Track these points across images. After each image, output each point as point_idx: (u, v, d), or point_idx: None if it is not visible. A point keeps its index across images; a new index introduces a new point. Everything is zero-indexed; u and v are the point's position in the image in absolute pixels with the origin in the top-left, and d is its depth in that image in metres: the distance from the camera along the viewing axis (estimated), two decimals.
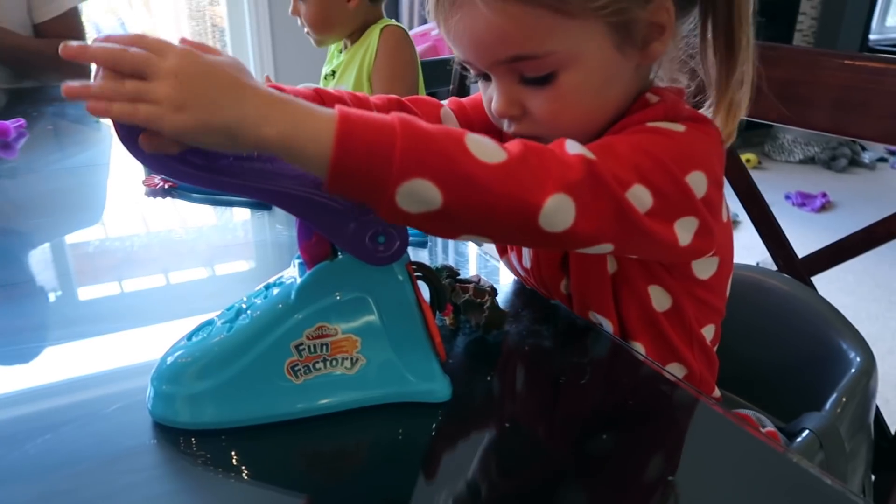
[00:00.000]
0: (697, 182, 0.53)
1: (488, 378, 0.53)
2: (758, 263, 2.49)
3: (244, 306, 0.50)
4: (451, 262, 0.76)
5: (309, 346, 0.47)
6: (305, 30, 1.35)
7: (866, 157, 3.76)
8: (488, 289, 0.60)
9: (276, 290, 0.50)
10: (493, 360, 0.56)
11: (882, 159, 3.82)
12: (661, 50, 0.57)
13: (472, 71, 0.60)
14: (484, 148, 0.45)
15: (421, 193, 0.42)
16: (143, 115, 0.38)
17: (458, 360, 0.56)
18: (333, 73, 1.40)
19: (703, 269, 0.63)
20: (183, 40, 0.42)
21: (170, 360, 0.48)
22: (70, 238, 0.86)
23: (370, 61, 1.33)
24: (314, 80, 1.47)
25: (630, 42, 0.55)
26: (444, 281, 0.60)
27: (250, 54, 2.95)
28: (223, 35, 3.03)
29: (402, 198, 0.42)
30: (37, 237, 0.85)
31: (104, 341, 0.60)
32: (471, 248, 0.78)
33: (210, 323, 0.50)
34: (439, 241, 0.80)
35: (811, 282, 0.89)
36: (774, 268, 0.94)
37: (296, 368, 0.48)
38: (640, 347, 0.64)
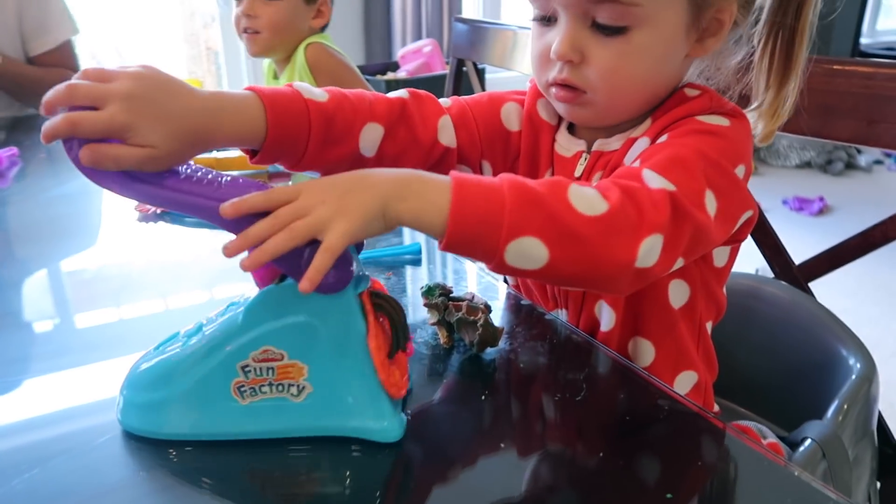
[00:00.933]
0: (741, 174, 0.57)
1: (482, 397, 0.53)
2: (757, 271, 2.48)
3: (205, 322, 0.50)
4: (447, 279, 0.76)
5: (255, 369, 0.47)
6: (248, 33, 1.32)
7: (862, 161, 3.76)
8: (482, 306, 0.59)
9: (236, 310, 0.49)
10: (487, 379, 0.55)
11: (878, 162, 3.83)
12: (714, 46, 0.59)
13: (535, 6, 0.60)
14: (587, 200, 0.47)
15: (529, 251, 0.46)
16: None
17: (451, 378, 0.55)
18: (276, 76, 1.40)
19: (720, 256, 0.64)
20: None
21: (134, 369, 0.50)
22: (63, 265, 0.86)
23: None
24: None
25: (696, 27, 0.58)
26: (437, 299, 0.60)
27: (244, 77, 2.96)
28: (217, 58, 3.05)
29: (511, 256, 0.46)
30: (30, 265, 0.84)
31: (96, 370, 0.59)
32: (467, 265, 0.78)
33: (175, 336, 0.51)
34: (435, 257, 0.80)
35: (809, 288, 0.89)
36: (772, 275, 0.94)
37: (242, 389, 0.47)
38: (649, 347, 0.63)
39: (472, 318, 0.58)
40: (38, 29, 1.60)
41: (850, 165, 3.75)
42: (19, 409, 0.53)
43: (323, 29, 1.37)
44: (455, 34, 1.58)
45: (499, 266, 0.46)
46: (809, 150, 3.75)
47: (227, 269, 0.80)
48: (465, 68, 1.59)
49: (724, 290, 0.69)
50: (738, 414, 0.86)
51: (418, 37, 3.00)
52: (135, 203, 0.97)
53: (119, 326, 0.69)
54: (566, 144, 0.66)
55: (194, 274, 0.80)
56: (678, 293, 0.63)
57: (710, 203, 0.52)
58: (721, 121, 0.57)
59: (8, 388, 0.56)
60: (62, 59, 1.64)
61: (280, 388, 0.47)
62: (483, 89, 1.57)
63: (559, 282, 0.51)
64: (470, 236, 0.45)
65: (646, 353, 0.64)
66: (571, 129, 0.66)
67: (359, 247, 0.50)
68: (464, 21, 1.58)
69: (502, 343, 0.59)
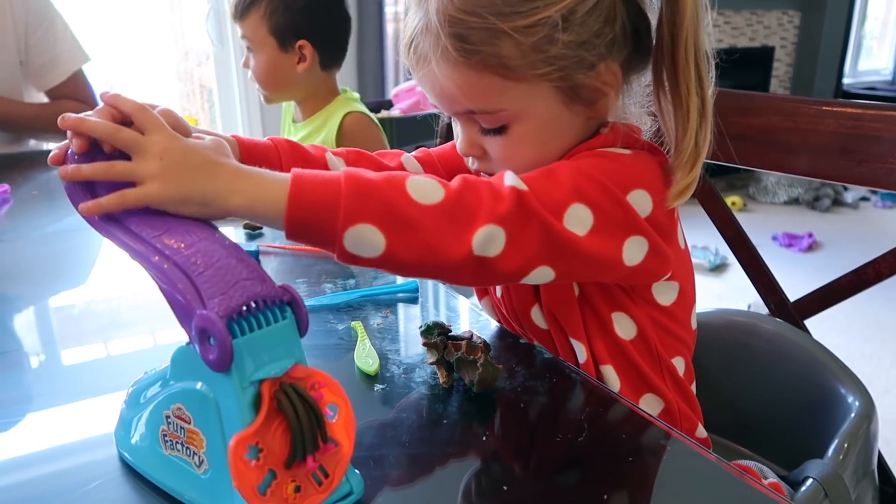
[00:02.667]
0: (640, 201, 0.57)
1: (483, 439, 0.52)
2: (749, 306, 2.49)
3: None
4: (441, 316, 0.76)
5: (174, 423, 0.45)
6: (256, 86, 1.36)
7: (849, 197, 3.82)
8: (481, 345, 0.59)
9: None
10: (488, 420, 0.55)
11: (864, 198, 3.88)
12: (610, 107, 0.61)
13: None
14: (423, 189, 0.49)
15: (366, 239, 0.48)
16: (133, 198, 0.45)
17: (451, 419, 0.55)
18: (295, 121, 1.41)
19: (663, 294, 0.65)
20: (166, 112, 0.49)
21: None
22: (55, 302, 0.85)
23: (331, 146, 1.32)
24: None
25: (578, 100, 0.59)
26: (436, 338, 0.60)
27: (238, 114, 2.98)
28: (210, 96, 3.07)
29: (349, 244, 0.48)
30: (20, 303, 0.83)
31: (88, 408, 0.58)
32: (461, 303, 0.77)
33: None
34: (430, 295, 0.80)
35: (804, 325, 0.89)
36: (766, 311, 0.94)
37: (165, 438, 0.46)
38: (611, 372, 0.63)
39: (471, 357, 0.57)
40: (49, 63, 1.61)
41: (837, 202, 3.80)
42: (15, 448, 0.52)
43: (327, 69, 1.35)
44: None
45: (342, 254, 0.48)
46: (797, 186, 3.80)
47: None
48: None
49: (693, 325, 0.70)
50: (737, 452, 0.86)
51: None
52: None
53: (107, 363, 0.68)
54: None
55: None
56: (623, 326, 0.64)
57: (579, 216, 0.53)
58: (620, 150, 0.59)
59: (3, 427, 0.55)
60: (75, 90, 1.64)
61: (188, 452, 0.44)
62: None
63: (404, 270, 0.51)
64: (308, 224, 0.47)
65: (612, 378, 0.64)
66: None
67: (302, 330, 0.44)
68: None
69: (502, 382, 0.59)
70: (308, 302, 0.75)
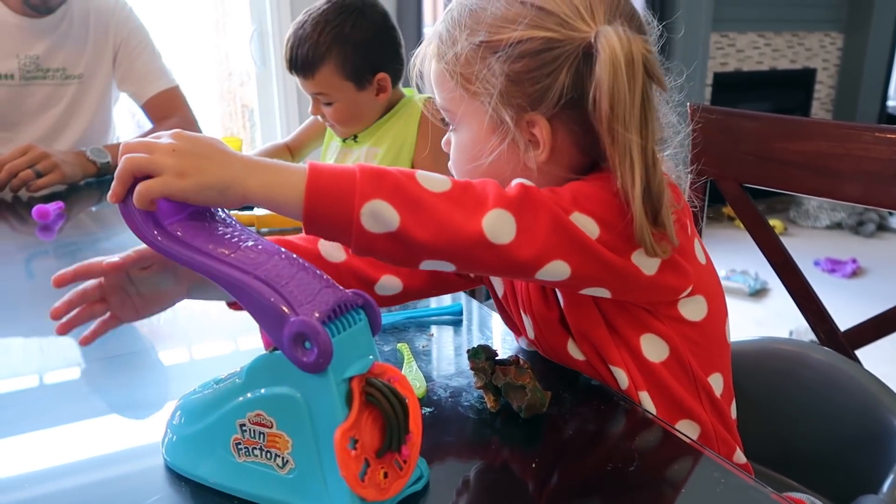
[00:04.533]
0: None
1: (532, 465, 0.52)
2: (791, 333, 2.42)
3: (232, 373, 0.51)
4: (488, 340, 0.76)
5: (250, 430, 0.47)
6: (329, 124, 1.34)
7: (895, 222, 3.72)
8: (528, 370, 0.59)
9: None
10: (537, 447, 0.55)
11: None
12: (541, 160, 0.60)
13: None
14: (432, 181, 0.52)
15: (381, 213, 0.49)
16: (157, 186, 0.47)
17: (499, 445, 0.54)
18: (355, 137, 1.37)
19: (690, 309, 0.64)
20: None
21: (181, 400, 0.53)
22: None
23: (412, 138, 1.31)
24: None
25: (509, 139, 0.60)
26: (484, 363, 0.60)
27: (278, 133, 3.04)
28: (252, 115, 3.13)
29: (366, 218, 0.49)
30: None
31: (130, 423, 0.59)
32: (495, 323, 0.77)
33: (216, 378, 0.52)
34: (475, 318, 0.80)
35: (856, 356, 0.87)
36: (809, 336, 0.92)
37: (238, 446, 0.48)
38: (647, 398, 0.62)
39: (519, 382, 0.57)
40: (146, 76, 1.70)
41: (883, 227, 3.71)
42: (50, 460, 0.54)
43: (396, 85, 1.34)
44: None
45: (358, 234, 0.50)
46: (840, 210, 3.72)
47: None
48: None
49: (728, 338, 0.69)
50: (785, 485, 0.84)
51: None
52: None
53: (150, 376, 0.69)
54: None
55: (222, 325, 0.80)
56: (653, 349, 0.62)
57: (584, 223, 0.54)
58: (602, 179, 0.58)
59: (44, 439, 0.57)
60: (174, 104, 1.73)
61: (268, 455, 0.47)
62: None
63: (420, 251, 0.51)
64: (326, 207, 0.49)
65: (648, 405, 0.63)
66: None
67: (374, 328, 0.48)
68: None
69: (549, 408, 0.58)
70: None
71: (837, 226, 3.76)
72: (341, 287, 0.48)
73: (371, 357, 0.46)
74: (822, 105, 4.29)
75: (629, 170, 0.54)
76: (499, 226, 0.51)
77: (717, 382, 0.66)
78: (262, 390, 0.47)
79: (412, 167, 1.32)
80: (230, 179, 0.48)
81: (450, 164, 0.67)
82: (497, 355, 0.62)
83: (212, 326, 0.81)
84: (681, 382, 0.63)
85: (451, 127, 0.66)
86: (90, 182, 1.49)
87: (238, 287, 0.46)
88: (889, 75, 4.36)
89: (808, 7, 4.00)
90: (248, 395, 0.47)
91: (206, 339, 0.79)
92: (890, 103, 4.46)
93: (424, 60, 0.65)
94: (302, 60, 1.23)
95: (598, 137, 0.56)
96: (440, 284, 0.73)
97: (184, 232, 0.48)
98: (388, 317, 0.78)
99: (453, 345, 0.73)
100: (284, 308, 0.44)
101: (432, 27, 0.66)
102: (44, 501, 0.49)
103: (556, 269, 0.53)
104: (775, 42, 4.00)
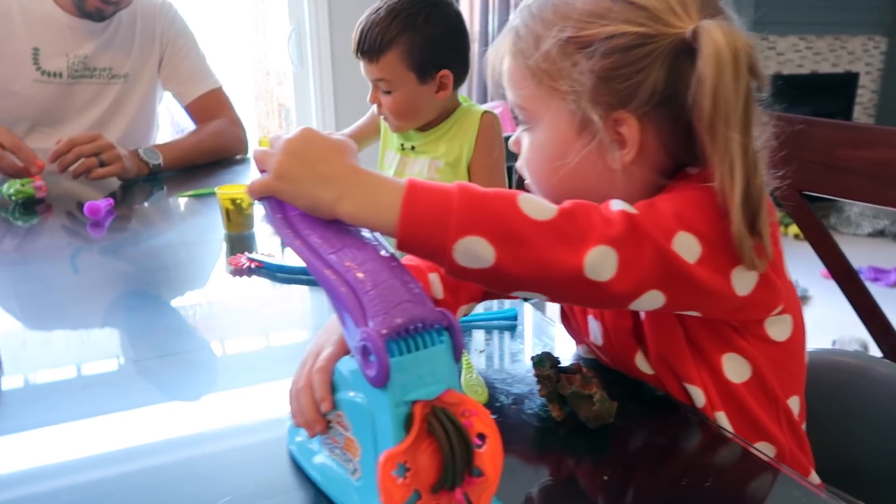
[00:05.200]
0: None
1: (605, 478, 0.50)
2: (834, 342, 2.37)
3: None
4: (538, 344, 0.74)
5: (335, 428, 0.48)
6: (384, 115, 1.34)
7: None
8: (595, 379, 0.57)
9: None
10: (607, 458, 0.53)
11: None
12: (627, 160, 0.58)
13: None
14: (535, 205, 0.49)
15: (476, 250, 0.48)
16: (259, 183, 0.49)
17: (568, 456, 0.53)
18: (413, 148, 1.38)
19: (777, 329, 0.62)
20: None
21: None
22: (157, 314, 0.87)
23: (469, 148, 1.31)
24: (373, 151, 1.49)
25: (593, 138, 0.58)
26: (549, 371, 0.59)
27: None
28: (288, 115, 3.15)
29: (458, 254, 0.48)
30: (134, 311, 0.86)
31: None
32: (560, 330, 0.76)
33: None
34: (530, 323, 0.79)
35: None
36: (854, 346, 0.89)
37: (327, 442, 0.49)
38: (723, 419, 0.60)
39: (586, 392, 0.56)
40: (192, 77, 1.73)
41: None
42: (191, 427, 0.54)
43: (457, 88, 1.34)
44: None
45: (451, 266, 0.49)
46: (883, 218, 3.63)
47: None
48: None
49: (805, 361, 0.66)
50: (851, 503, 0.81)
51: (484, 99, 3.05)
52: (227, 256, 0.99)
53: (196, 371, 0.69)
54: None
55: (284, 322, 0.80)
56: (735, 368, 0.60)
57: (687, 244, 0.52)
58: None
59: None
60: (218, 105, 1.75)
61: (345, 458, 0.47)
62: None
63: (512, 284, 0.51)
64: (420, 236, 0.48)
65: (724, 423, 0.61)
66: None
67: (456, 353, 0.45)
68: None
69: (615, 419, 0.57)
70: None
71: (880, 233, 3.67)
72: (429, 304, 0.45)
73: (445, 384, 0.43)
74: (864, 110, 4.19)
75: (729, 171, 0.52)
76: (600, 263, 0.49)
77: (795, 404, 0.64)
78: (345, 393, 0.47)
79: (469, 178, 1.32)
80: (318, 200, 0.47)
81: (520, 164, 0.65)
82: (560, 363, 0.61)
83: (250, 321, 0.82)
84: (760, 404, 0.61)
85: (523, 126, 0.64)
86: (139, 181, 1.51)
87: (326, 285, 0.46)
88: None
89: (851, 10, 3.91)
90: (337, 394, 0.47)
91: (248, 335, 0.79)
92: None
93: (497, 57, 0.64)
94: (369, 43, 1.23)
95: (690, 136, 0.55)
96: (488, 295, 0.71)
97: (302, 222, 0.49)
98: None
99: (510, 350, 0.72)
100: (358, 316, 0.44)
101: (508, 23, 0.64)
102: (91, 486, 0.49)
103: (652, 300, 0.52)
104: (817, 45, 3.92)
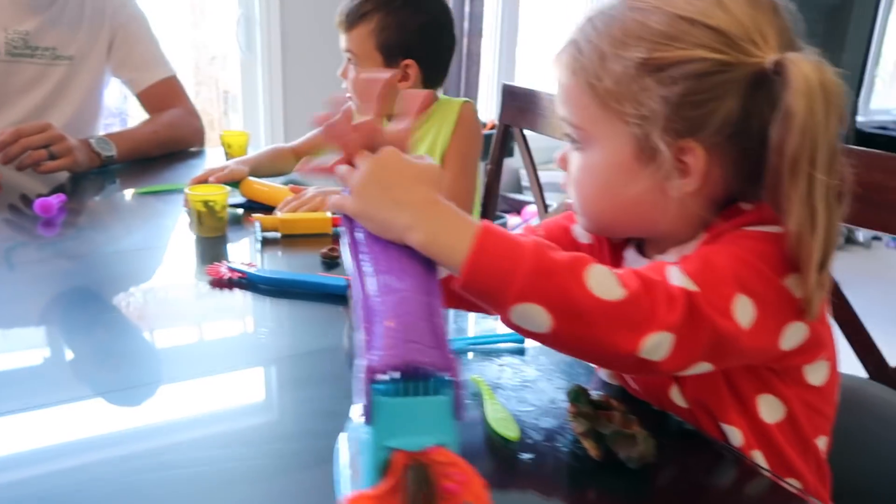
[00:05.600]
0: (796, 283, 0.53)
1: None
2: None
3: None
4: (554, 373, 0.72)
5: (353, 453, 0.47)
6: (348, 94, 1.33)
7: (860, 236, 3.82)
8: (634, 416, 0.55)
9: None
10: (651, 498, 0.52)
11: (877, 237, 3.89)
12: (688, 190, 0.56)
13: None
14: (602, 282, 0.48)
15: (533, 317, 0.48)
16: (335, 199, 0.51)
17: (618, 499, 0.51)
18: None
19: (815, 373, 0.61)
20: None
21: None
22: (126, 329, 0.81)
23: (446, 138, 1.28)
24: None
25: (654, 165, 0.56)
26: (586, 408, 0.56)
27: (261, 119, 2.94)
28: (235, 102, 3.03)
29: (515, 315, 0.48)
30: (102, 322, 0.79)
31: None
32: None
33: None
34: (541, 348, 0.76)
35: None
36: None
37: (351, 465, 0.48)
38: (759, 457, 0.60)
39: (629, 431, 0.54)
40: (145, 64, 1.62)
41: (850, 240, 3.81)
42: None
43: (432, 87, 1.33)
44: (504, 100, 1.58)
45: (504, 320, 0.50)
46: None
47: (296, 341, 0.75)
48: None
49: (836, 402, 0.66)
50: None
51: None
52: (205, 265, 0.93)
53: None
54: (632, 260, 0.66)
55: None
56: (769, 409, 0.60)
57: (743, 309, 0.51)
58: (772, 228, 0.55)
59: None
60: (172, 94, 1.63)
61: (355, 484, 0.45)
62: (529, 155, 1.56)
63: (561, 350, 0.53)
64: (481, 286, 0.48)
65: (760, 461, 0.61)
66: (641, 246, 0.67)
67: (457, 410, 0.41)
68: (513, 88, 1.58)
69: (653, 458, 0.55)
70: None
71: None
72: (445, 351, 0.41)
73: (435, 439, 0.39)
74: None
75: (810, 215, 0.51)
76: (657, 347, 0.48)
77: (823, 443, 0.64)
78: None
79: (442, 164, 1.29)
80: (390, 224, 0.48)
81: (566, 181, 0.63)
82: (591, 396, 0.59)
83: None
84: (790, 444, 0.60)
85: (574, 145, 0.61)
86: (90, 173, 1.40)
87: (355, 304, 0.46)
88: (858, 95, 4.47)
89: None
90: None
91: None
92: (859, 118, 4.57)
93: (554, 70, 0.61)
94: (347, 12, 1.26)
95: (757, 171, 0.53)
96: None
97: (365, 240, 0.49)
98: None
99: (525, 377, 0.70)
100: (365, 346, 0.42)
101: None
102: None
103: (699, 369, 0.52)
104: None
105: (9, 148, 1.26)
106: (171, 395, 0.66)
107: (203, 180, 1.18)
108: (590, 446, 0.56)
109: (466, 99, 1.34)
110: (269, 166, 1.39)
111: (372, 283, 0.45)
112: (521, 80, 3.34)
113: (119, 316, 0.84)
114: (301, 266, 1.01)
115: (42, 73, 1.52)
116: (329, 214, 1.08)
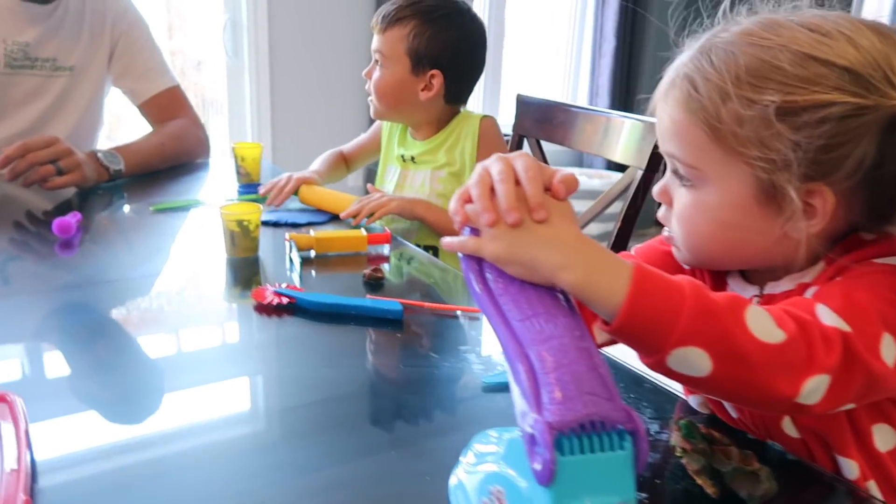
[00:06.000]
0: None
1: None
2: None
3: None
4: (638, 401, 0.70)
5: (492, 501, 0.45)
6: (370, 97, 1.31)
7: None
8: (750, 452, 0.54)
9: None
10: None
11: None
12: (813, 231, 0.55)
13: None
14: (763, 325, 0.47)
15: (693, 361, 0.46)
16: (471, 243, 0.48)
17: None
18: (413, 158, 1.33)
19: None
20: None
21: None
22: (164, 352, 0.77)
23: (472, 156, 1.27)
24: (314, 154, 1.45)
25: (772, 205, 0.55)
26: (702, 444, 0.55)
27: (248, 126, 2.88)
28: (220, 109, 2.96)
29: (673, 360, 0.46)
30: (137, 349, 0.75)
31: None
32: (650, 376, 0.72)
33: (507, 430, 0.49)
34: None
35: None
36: None
37: None
38: (874, 487, 0.59)
39: (750, 468, 0.52)
40: (147, 73, 1.57)
41: None
42: None
43: (450, 104, 1.31)
44: (519, 111, 1.57)
45: (656, 365, 0.47)
46: None
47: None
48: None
49: None
50: None
51: None
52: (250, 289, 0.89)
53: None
54: (737, 288, 0.65)
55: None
56: (882, 438, 0.60)
57: (888, 348, 0.50)
58: None
59: None
60: (175, 104, 1.58)
61: None
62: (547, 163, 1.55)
63: (715, 394, 0.53)
64: (639, 330, 0.46)
65: (875, 492, 0.60)
66: (745, 273, 0.65)
67: (639, 463, 0.40)
68: (527, 98, 1.56)
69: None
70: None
71: None
72: (617, 399, 0.40)
73: (619, 498, 0.39)
74: None
75: None
76: (815, 391, 0.48)
77: None
78: (511, 470, 0.44)
79: None
80: (539, 264, 0.45)
81: (663, 215, 0.61)
82: (701, 428, 0.57)
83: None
84: None
85: (683, 182, 0.59)
86: (97, 188, 1.34)
87: (506, 354, 0.43)
88: None
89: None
90: (499, 466, 0.45)
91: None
92: None
93: (658, 101, 0.59)
94: (384, 14, 1.25)
95: (890, 209, 0.53)
96: None
97: (497, 280, 0.47)
98: None
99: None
100: (532, 399, 0.40)
101: (672, 65, 0.59)
102: None
103: (843, 409, 0.52)
104: None
105: (16, 163, 1.20)
106: (219, 438, 0.62)
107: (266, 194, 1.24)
108: (706, 484, 0.54)
109: (485, 114, 1.33)
110: (334, 175, 1.42)
111: (524, 330, 0.43)
112: (506, 88, 3.34)
113: (161, 350, 0.80)
114: (342, 287, 0.97)
115: (42, 84, 1.46)
116: (364, 232, 1.05)
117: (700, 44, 0.57)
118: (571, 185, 0.49)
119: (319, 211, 1.22)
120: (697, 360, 0.46)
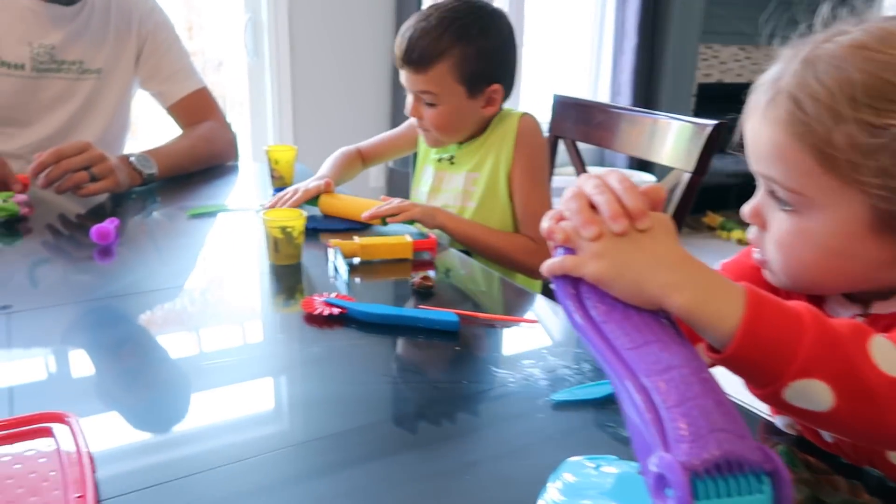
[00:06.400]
0: None
1: None
2: None
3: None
4: None
5: None
6: (423, 129, 1.24)
7: None
8: (858, 482, 0.50)
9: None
10: None
11: None
12: None
13: None
14: (888, 356, 0.43)
15: (813, 394, 0.43)
16: (570, 263, 0.45)
17: None
18: (451, 159, 1.29)
19: None
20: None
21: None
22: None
23: (508, 156, 1.22)
24: (331, 149, 1.41)
25: (889, 234, 0.51)
26: (806, 473, 0.51)
27: (269, 126, 2.86)
28: (241, 109, 2.94)
29: (790, 393, 0.43)
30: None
31: None
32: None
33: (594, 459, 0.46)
34: None
35: None
36: None
37: None
38: None
39: (860, 501, 0.49)
40: (175, 75, 1.53)
41: None
42: None
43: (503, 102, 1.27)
44: (556, 111, 1.53)
45: (770, 397, 0.44)
46: None
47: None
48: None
49: None
50: None
51: None
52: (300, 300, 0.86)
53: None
54: (837, 307, 0.61)
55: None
56: None
57: None
58: None
59: None
60: (204, 106, 1.55)
61: None
62: (582, 165, 1.51)
63: (834, 431, 0.49)
64: (754, 359, 0.42)
65: None
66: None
67: None
68: (565, 99, 1.53)
69: None
70: None
71: None
72: (750, 437, 0.37)
73: None
74: None
75: None
76: None
77: None
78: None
79: (508, 183, 1.24)
80: (648, 284, 0.42)
81: (758, 237, 0.58)
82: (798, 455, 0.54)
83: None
84: None
85: (784, 206, 0.55)
86: (131, 192, 1.32)
87: (618, 386, 0.40)
88: None
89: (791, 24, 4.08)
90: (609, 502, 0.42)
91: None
92: None
93: (750, 117, 0.55)
94: (419, 53, 1.14)
95: None
96: None
97: (600, 310, 0.44)
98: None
99: None
100: (657, 436, 0.37)
101: (766, 77, 0.55)
102: None
103: None
104: (755, 55, 4.06)
105: (49, 170, 1.18)
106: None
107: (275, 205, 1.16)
108: None
109: (525, 112, 1.28)
110: (346, 175, 1.35)
111: (637, 360, 0.39)
112: (526, 86, 3.30)
113: (214, 364, 0.77)
114: (391, 296, 0.95)
115: (70, 87, 1.43)
116: (409, 238, 1.02)
117: (802, 55, 0.52)
118: (659, 194, 0.47)
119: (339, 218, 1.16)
120: (818, 394, 0.43)
